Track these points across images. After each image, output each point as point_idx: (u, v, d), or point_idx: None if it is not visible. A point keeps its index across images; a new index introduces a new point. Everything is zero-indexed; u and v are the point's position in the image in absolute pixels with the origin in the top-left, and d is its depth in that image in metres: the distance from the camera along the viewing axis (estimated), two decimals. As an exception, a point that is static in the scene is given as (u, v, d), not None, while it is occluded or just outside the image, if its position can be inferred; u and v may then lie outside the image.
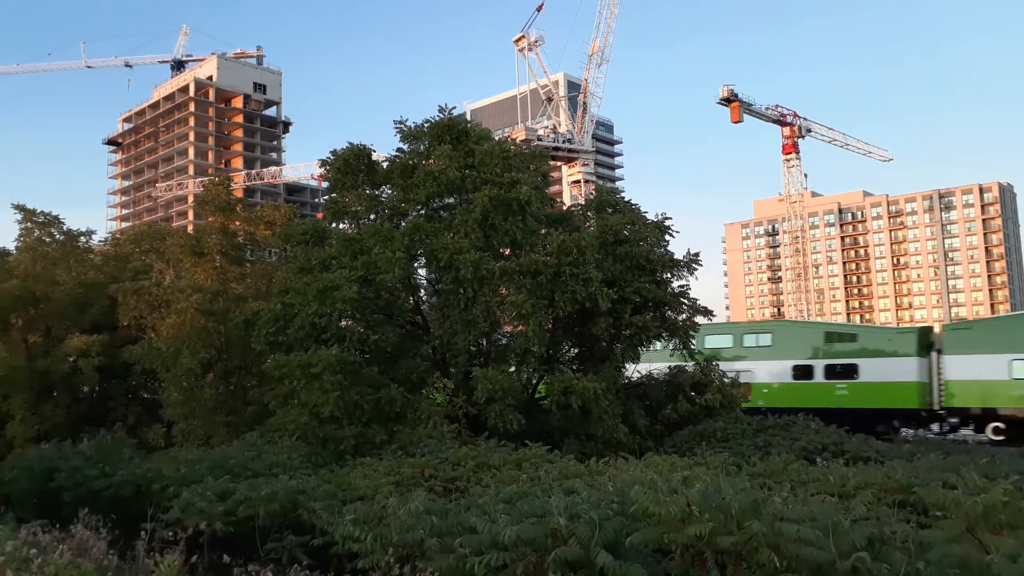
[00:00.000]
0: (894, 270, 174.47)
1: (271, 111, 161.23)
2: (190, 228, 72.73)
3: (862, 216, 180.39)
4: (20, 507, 14.40)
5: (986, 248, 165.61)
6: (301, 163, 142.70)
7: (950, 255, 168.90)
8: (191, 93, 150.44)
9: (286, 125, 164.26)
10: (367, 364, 21.72)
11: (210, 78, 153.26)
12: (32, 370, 30.94)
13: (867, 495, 8.64)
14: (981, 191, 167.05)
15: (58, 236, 34.55)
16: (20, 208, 33.82)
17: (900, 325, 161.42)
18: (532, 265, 21.78)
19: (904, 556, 6.32)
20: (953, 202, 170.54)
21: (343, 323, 22.20)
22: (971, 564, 6.44)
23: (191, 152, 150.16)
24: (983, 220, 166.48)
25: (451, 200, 24.57)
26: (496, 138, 26.61)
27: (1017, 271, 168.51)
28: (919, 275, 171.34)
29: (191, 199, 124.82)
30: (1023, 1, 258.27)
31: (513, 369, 22.49)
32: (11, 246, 34.60)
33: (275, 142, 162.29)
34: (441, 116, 24.83)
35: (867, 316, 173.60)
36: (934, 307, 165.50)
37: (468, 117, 38.10)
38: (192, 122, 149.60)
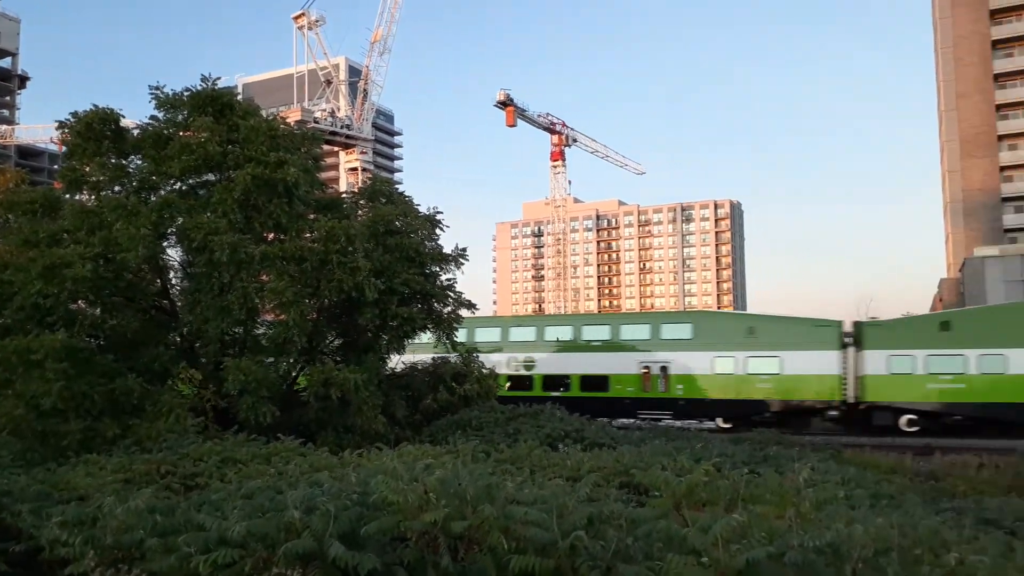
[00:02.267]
0: (640, 273, 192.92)
1: (5, 62, 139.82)
2: None
3: (616, 223, 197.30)
4: None
5: (716, 257, 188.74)
6: (39, 124, 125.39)
7: (687, 262, 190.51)
8: None
9: (23, 80, 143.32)
10: (101, 351, 19.69)
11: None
12: None
13: (594, 478, 9.41)
14: (716, 207, 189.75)
15: None
16: None
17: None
18: (297, 251, 21.04)
19: (617, 533, 6.95)
20: (692, 215, 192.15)
21: (74, 305, 19.92)
22: (673, 537, 7.23)
23: None
24: (716, 232, 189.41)
25: (211, 177, 22.96)
26: (266, 115, 25.31)
27: (740, 279, 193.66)
28: (661, 279, 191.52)
29: None
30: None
31: (271, 360, 21.57)
32: None
33: (7, 97, 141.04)
34: (204, 86, 23.11)
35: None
36: (672, 309, 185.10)
37: (240, 91, 35.80)
38: None
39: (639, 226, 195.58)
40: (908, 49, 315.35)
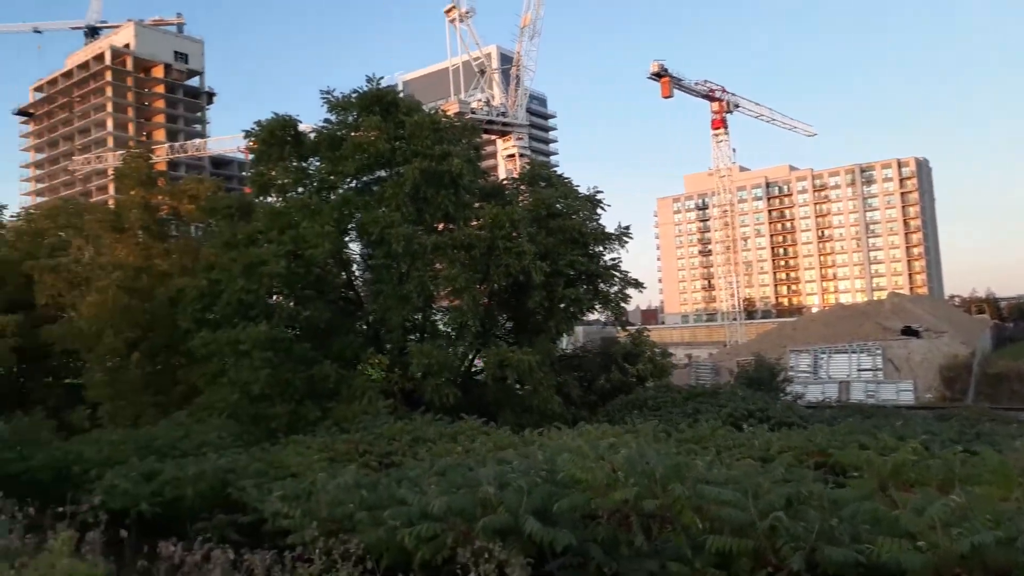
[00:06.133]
0: (819, 242, 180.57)
1: (194, 81, 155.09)
2: (111, 203, 69.71)
3: (788, 190, 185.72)
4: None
5: (904, 221, 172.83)
6: (227, 135, 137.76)
7: (871, 228, 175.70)
8: (107, 61, 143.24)
9: (210, 96, 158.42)
10: (299, 341, 21.40)
11: (127, 46, 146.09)
12: (-58, 352, 29.31)
13: (787, 458, 8.98)
14: (900, 166, 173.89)
15: (-34, 211, 32.66)
16: (-79, 182, 31.79)
17: (824, 296, 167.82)
18: (466, 239, 21.74)
19: (819, 514, 6.59)
20: (874, 176, 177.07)
21: (272, 299, 21.78)
22: (881, 519, 6.75)
23: (109, 123, 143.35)
24: (902, 194, 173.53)
25: (382, 173, 24.24)
26: (427, 110, 26.30)
27: (933, 243, 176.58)
28: (842, 247, 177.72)
29: (111, 172, 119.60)
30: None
31: (449, 344, 22.50)
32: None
33: (199, 114, 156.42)
34: (370, 87, 24.38)
35: (793, 287, 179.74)
36: (856, 278, 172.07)
37: (400, 89, 37.51)
38: (110, 92, 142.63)
39: (814, 191, 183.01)
40: None
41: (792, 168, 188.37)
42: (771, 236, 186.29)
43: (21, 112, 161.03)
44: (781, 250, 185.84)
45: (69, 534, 4.95)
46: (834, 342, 53.61)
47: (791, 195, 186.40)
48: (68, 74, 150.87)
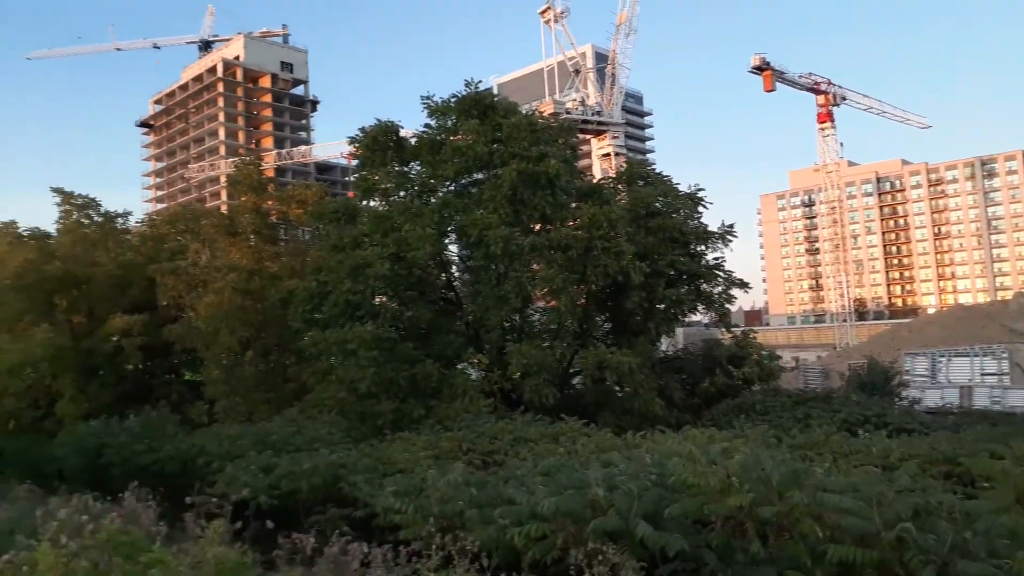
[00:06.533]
0: (935, 240, 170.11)
1: (299, 90, 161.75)
2: (224, 208, 73.57)
3: (901, 185, 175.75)
4: (73, 481, 14.82)
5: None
6: (330, 142, 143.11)
7: (993, 223, 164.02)
8: (219, 73, 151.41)
9: (314, 104, 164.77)
10: (402, 340, 21.94)
11: (237, 58, 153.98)
12: (78, 350, 31.64)
13: (912, 466, 8.49)
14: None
15: (96, 218, 35.00)
16: (59, 191, 34.36)
17: (941, 296, 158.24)
18: (563, 239, 21.71)
19: (951, 526, 6.22)
20: (996, 169, 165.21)
21: (376, 300, 22.40)
22: (1020, 534, 6.33)
23: (221, 133, 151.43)
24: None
25: (479, 175, 24.55)
26: (523, 112, 26.45)
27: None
28: (961, 244, 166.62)
29: (223, 179, 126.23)
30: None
31: (547, 344, 22.53)
32: (52, 229, 35.18)
33: (304, 121, 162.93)
34: (467, 91, 24.73)
35: (907, 287, 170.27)
36: (977, 277, 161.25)
37: (495, 92, 37.85)
38: (221, 103, 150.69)
39: (929, 186, 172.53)
40: None
41: (904, 162, 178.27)
42: (883, 233, 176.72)
43: (142, 124, 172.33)
44: (894, 248, 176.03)
45: (220, 523, 5.23)
46: (953, 345, 50.50)
47: (904, 190, 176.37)
48: (184, 87, 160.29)
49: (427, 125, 25.39)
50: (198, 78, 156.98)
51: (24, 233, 34.01)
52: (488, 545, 6.41)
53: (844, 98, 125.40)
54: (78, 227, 34.20)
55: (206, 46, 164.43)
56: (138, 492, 9.06)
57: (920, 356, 48.74)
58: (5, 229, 34.34)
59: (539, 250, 21.85)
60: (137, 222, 40.37)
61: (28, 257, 31.29)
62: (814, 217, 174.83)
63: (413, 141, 26.11)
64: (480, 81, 25.29)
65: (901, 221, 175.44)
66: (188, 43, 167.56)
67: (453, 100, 24.86)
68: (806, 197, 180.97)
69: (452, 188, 24.78)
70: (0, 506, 6.54)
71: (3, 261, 32.03)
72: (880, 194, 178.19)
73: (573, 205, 24.57)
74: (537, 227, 23.99)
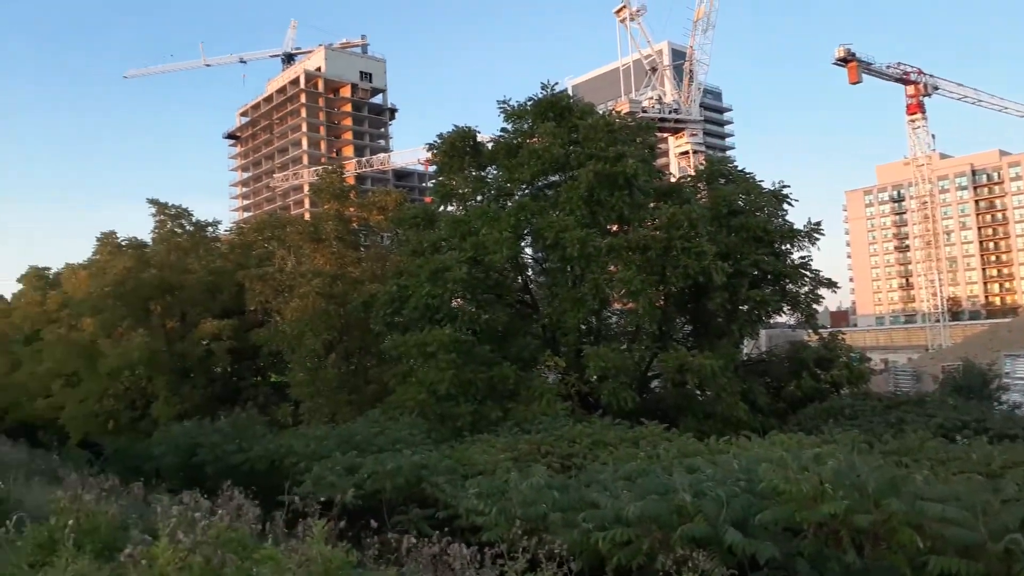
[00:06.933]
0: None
1: (377, 99, 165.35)
2: (307, 216, 75.86)
3: (999, 177, 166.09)
4: (169, 479, 15.57)
5: None
6: (408, 148, 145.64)
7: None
8: (301, 85, 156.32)
9: (392, 112, 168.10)
10: (479, 343, 22.12)
11: (318, 69, 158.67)
12: (171, 353, 33.24)
13: (1018, 474, 8.01)
14: None
15: (188, 227, 36.76)
16: (154, 202, 36.22)
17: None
18: (641, 240, 21.44)
19: (1064, 539, 5.84)
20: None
21: (454, 303, 22.65)
22: None
23: (304, 142, 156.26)
24: None
25: (556, 178, 24.52)
26: (599, 112, 26.27)
27: None
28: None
29: (306, 188, 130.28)
30: None
31: (625, 347, 22.29)
32: (148, 239, 37.04)
33: (382, 129, 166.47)
34: (543, 93, 24.76)
35: (1006, 285, 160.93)
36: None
37: (570, 93, 37.77)
38: (304, 113, 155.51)
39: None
40: None
41: (1003, 153, 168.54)
42: (979, 229, 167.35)
43: (230, 136, 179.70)
44: (991, 244, 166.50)
45: (325, 523, 5.41)
46: (1060, 346, 47.47)
47: (1002, 183, 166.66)
48: (268, 99, 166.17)
49: (504, 129, 25.56)
50: (281, 90, 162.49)
51: (123, 243, 35.95)
52: (572, 549, 6.38)
53: (936, 88, 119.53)
54: (172, 236, 35.94)
55: (289, 59, 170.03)
56: (233, 491, 9.43)
57: (1021, 358, 45.97)
58: (105, 239, 36.38)
59: (616, 251, 21.64)
60: (226, 230, 42.13)
61: (127, 265, 33.04)
62: (903, 213, 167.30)
63: (490, 146, 26.32)
64: (556, 83, 25.35)
65: (999, 215, 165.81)
66: (272, 56, 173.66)
67: (529, 103, 24.96)
68: (895, 192, 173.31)
69: (528, 191, 24.83)
70: (112, 502, 6.93)
71: (104, 269, 33.94)
72: (976, 187, 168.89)
73: (651, 205, 24.25)
74: (614, 228, 23.78)
